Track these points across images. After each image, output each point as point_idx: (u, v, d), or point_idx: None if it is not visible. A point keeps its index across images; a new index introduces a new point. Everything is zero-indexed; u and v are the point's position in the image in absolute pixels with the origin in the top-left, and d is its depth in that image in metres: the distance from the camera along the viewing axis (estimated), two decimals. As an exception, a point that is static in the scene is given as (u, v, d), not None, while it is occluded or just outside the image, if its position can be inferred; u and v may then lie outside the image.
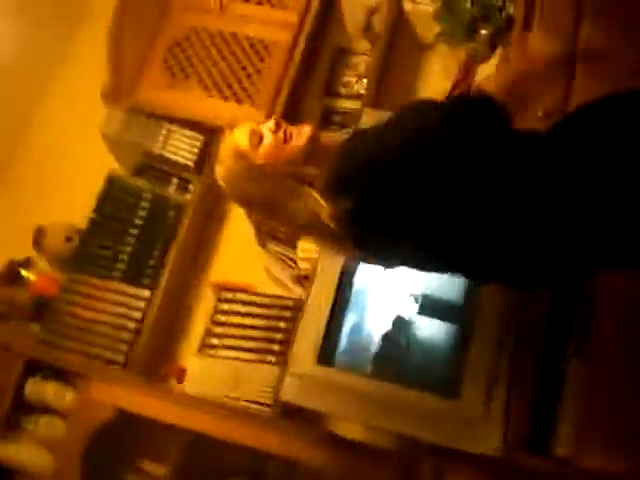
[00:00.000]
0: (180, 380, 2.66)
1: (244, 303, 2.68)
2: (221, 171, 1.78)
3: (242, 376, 2.55)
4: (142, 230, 2.85)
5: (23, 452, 2.63)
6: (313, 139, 1.73)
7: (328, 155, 1.71)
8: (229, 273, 2.90)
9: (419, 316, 2.44)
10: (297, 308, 2.59)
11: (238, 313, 2.67)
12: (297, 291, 2.71)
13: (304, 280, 2.67)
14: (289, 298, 2.69)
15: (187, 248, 2.89)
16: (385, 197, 1.59)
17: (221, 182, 1.78)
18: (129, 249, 2.83)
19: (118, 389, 2.52)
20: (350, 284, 2.45)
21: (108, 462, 2.54)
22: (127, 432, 2.54)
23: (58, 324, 2.75)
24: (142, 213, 2.87)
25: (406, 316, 2.43)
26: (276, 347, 2.59)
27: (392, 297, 2.48)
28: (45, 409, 2.68)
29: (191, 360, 2.66)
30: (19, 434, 2.68)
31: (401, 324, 2.44)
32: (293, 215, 1.73)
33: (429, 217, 1.62)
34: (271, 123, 1.74)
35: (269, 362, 2.57)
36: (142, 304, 2.74)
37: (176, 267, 2.82)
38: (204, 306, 2.87)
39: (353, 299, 2.45)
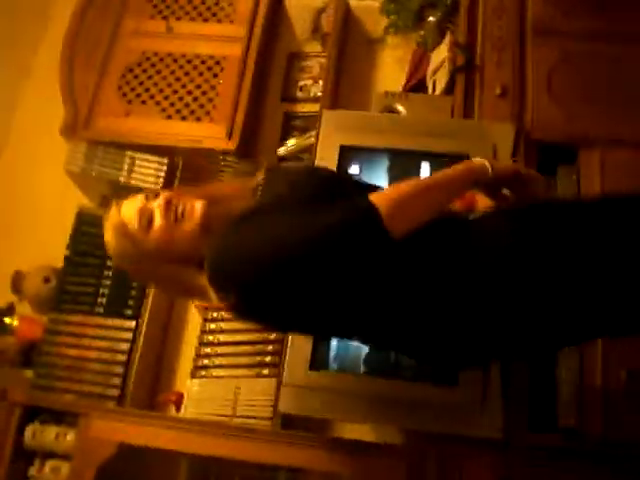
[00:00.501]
0: (178, 406, 2.65)
1: (231, 320, 2.65)
2: (109, 248, 1.68)
3: (239, 393, 2.55)
4: (119, 262, 2.83)
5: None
6: (205, 216, 1.61)
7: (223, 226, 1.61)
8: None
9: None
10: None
11: (226, 331, 2.66)
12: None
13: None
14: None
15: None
16: (270, 297, 1.51)
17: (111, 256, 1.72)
18: (108, 282, 2.82)
19: (117, 424, 2.51)
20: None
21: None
22: (132, 464, 2.53)
23: (48, 367, 2.73)
24: (117, 245, 2.84)
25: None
26: (268, 359, 2.58)
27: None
28: (47, 454, 2.65)
29: (186, 384, 2.64)
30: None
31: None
32: (191, 290, 1.66)
33: (314, 315, 1.59)
34: (160, 200, 1.61)
35: (264, 375, 2.56)
36: (129, 335, 2.72)
37: (158, 294, 2.79)
38: (192, 328, 2.87)
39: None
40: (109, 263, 2.83)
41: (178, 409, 2.65)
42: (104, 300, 2.80)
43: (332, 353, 2.36)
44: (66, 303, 2.82)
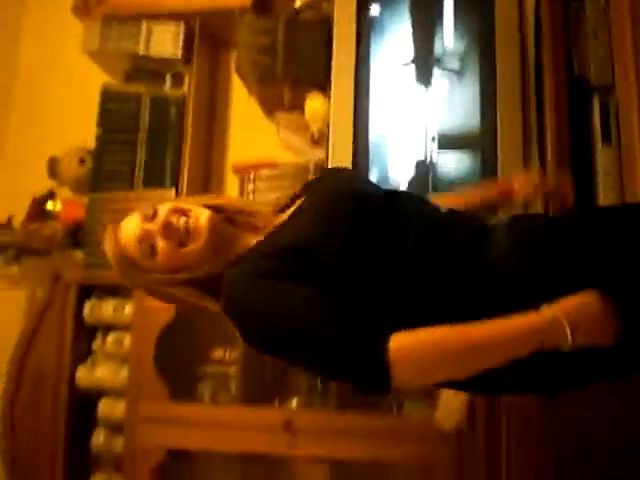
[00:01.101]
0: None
1: (268, 178, 2.69)
2: (113, 270, 1.57)
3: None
4: (150, 134, 2.83)
5: (99, 374, 2.71)
6: (212, 231, 1.48)
7: (233, 240, 1.53)
8: (246, 153, 2.88)
9: (440, 154, 2.44)
10: (320, 169, 2.60)
11: (264, 190, 2.68)
12: (316, 153, 2.70)
13: (320, 140, 2.66)
14: (310, 161, 2.68)
15: (199, 138, 2.89)
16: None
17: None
18: (143, 155, 2.82)
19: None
20: (366, 136, 2.44)
21: (179, 360, 2.62)
22: (191, 327, 2.61)
23: (97, 245, 2.77)
24: (145, 117, 2.84)
25: (428, 158, 2.43)
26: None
27: (410, 143, 2.46)
28: (108, 327, 2.76)
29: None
30: (91, 358, 2.76)
31: (425, 167, 2.44)
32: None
33: None
34: (160, 223, 1.48)
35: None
36: (170, 204, 2.74)
37: (193, 160, 2.81)
38: (231, 191, 2.89)
39: (372, 150, 2.45)
40: (141, 136, 2.83)
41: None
42: (141, 174, 2.81)
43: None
44: (104, 181, 2.85)
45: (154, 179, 2.80)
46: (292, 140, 2.78)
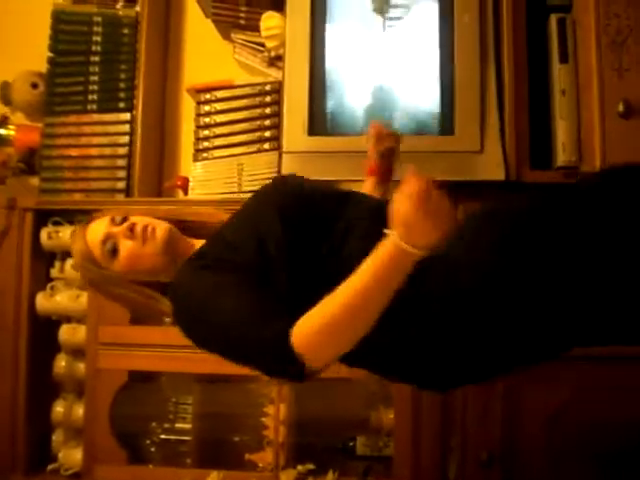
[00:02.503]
0: (185, 190, 2.69)
1: (224, 99, 2.65)
2: (76, 270, 1.75)
3: (242, 169, 2.58)
4: (103, 55, 2.76)
5: (59, 300, 2.69)
6: (167, 239, 1.60)
7: (188, 247, 1.62)
8: (202, 74, 2.83)
9: (397, 80, 2.42)
10: (277, 90, 2.59)
11: (221, 111, 2.65)
12: (273, 73, 2.67)
13: (276, 61, 2.63)
14: (267, 82, 2.65)
15: (153, 60, 2.83)
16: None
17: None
18: (96, 78, 2.76)
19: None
20: (322, 56, 2.41)
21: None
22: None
23: (52, 170, 2.75)
24: (97, 38, 2.76)
25: (385, 84, 2.42)
26: (267, 133, 2.59)
27: (367, 69, 2.44)
28: (66, 253, 2.71)
29: (190, 169, 2.67)
30: (50, 285, 2.72)
31: (382, 93, 2.42)
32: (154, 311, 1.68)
33: None
34: (124, 226, 1.60)
35: (265, 150, 2.58)
36: (126, 127, 2.71)
37: (148, 82, 2.75)
38: (187, 113, 2.85)
39: (329, 70, 2.41)
40: (93, 59, 2.77)
41: (185, 192, 2.69)
42: (95, 96, 2.75)
43: (328, 117, 2.37)
44: (58, 105, 2.78)
45: (108, 102, 2.75)
46: (248, 60, 2.74)
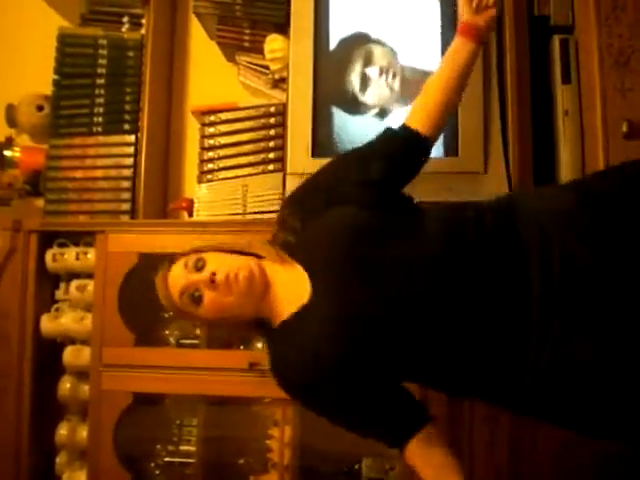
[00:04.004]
0: (190, 212, 2.68)
1: (229, 121, 2.66)
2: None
3: (247, 191, 2.59)
4: (108, 78, 2.78)
5: (64, 321, 2.68)
6: (249, 285, 1.56)
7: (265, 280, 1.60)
8: (207, 96, 2.85)
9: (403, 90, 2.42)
10: (281, 112, 2.60)
11: (225, 133, 2.66)
12: (277, 95, 2.69)
13: (280, 83, 2.65)
14: (271, 104, 2.66)
15: (158, 82, 2.85)
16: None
17: None
18: (102, 100, 2.78)
19: (134, 236, 2.56)
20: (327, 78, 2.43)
21: (144, 305, 2.59)
22: (153, 274, 2.60)
23: (57, 192, 2.76)
24: (103, 61, 2.79)
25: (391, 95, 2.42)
26: (272, 155, 2.60)
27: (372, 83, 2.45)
28: (71, 275, 2.72)
29: (195, 190, 2.67)
30: (55, 307, 2.72)
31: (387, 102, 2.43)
32: None
33: None
34: (206, 275, 1.56)
35: (270, 171, 2.59)
36: (130, 149, 2.72)
37: (153, 105, 2.77)
38: (192, 135, 2.86)
39: (334, 88, 2.43)
40: (99, 81, 2.79)
41: (190, 214, 2.69)
42: (100, 119, 2.77)
43: (334, 137, 2.38)
44: (63, 127, 2.80)
45: (113, 124, 2.76)
46: (253, 82, 2.76)
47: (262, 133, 2.63)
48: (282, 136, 2.57)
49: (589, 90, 2.33)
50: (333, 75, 2.42)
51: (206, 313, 1.59)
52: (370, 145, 1.70)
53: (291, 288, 1.59)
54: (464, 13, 1.71)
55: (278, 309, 1.60)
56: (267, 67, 2.68)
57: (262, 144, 2.63)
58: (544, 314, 1.41)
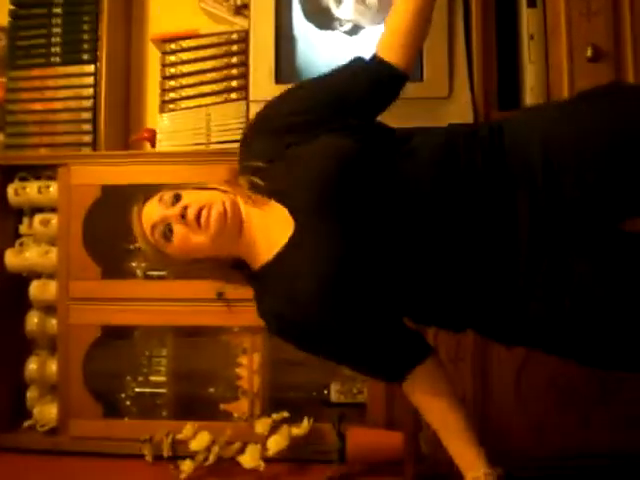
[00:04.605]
0: (153, 142, 2.65)
1: (190, 49, 2.61)
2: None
3: (210, 120, 2.55)
4: (65, 7, 2.70)
5: (28, 256, 2.66)
6: (221, 226, 1.48)
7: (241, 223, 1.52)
8: (167, 23, 2.79)
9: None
10: (244, 39, 2.55)
11: (187, 61, 2.61)
12: (239, 22, 2.63)
13: (243, 9, 2.60)
14: (233, 31, 2.60)
15: (117, 10, 2.77)
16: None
17: None
18: (59, 30, 2.70)
19: (96, 168, 2.55)
20: (289, 4, 2.38)
21: (109, 237, 2.58)
22: (119, 204, 2.56)
23: (17, 125, 2.71)
24: (60, -11, 2.72)
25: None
26: (235, 83, 2.56)
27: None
28: (34, 209, 2.69)
29: (157, 120, 2.63)
30: (19, 242, 2.70)
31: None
32: None
33: None
34: (177, 210, 1.48)
35: (232, 99, 2.55)
36: (90, 80, 2.66)
37: (111, 33, 2.70)
38: (153, 64, 2.81)
39: (295, 18, 2.38)
40: (56, 10, 2.71)
41: (153, 145, 2.66)
42: (58, 49, 2.70)
43: (296, 63, 2.35)
44: (21, 59, 2.73)
45: (72, 54, 2.69)
46: (214, 8, 2.70)
47: (224, 61, 2.58)
48: (245, 64, 2.53)
49: (554, 14, 2.32)
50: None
51: (176, 250, 1.52)
52: (339, 78, 1.62)
53: (271, 228, 1.52)
54: None
55: (257, 250, 1.54)
56: (228, -8, 2.63)
57: (225, 72, 2.58)
58: (534, 242, 1.42)
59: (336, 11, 2.36)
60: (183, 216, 1.48)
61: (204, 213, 1.47)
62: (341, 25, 2.37)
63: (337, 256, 1.45)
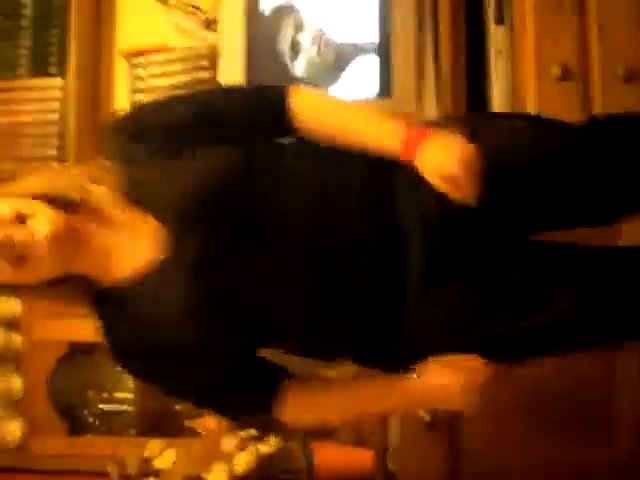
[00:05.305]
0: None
1: (160, 63, 2.61)
2: None
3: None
4: (34, 20, 2.71)
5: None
6: (57, 247, 1.24)
7: (87, 241, 1.30)
8: (136, 37, 2.77)
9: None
10: (213, 55, 2.55)
11: (156, 75, 2.61)
12: (209, 36, 2.63)
13: (213, 23, 2.60)
14: (202, 46, 2.60)
15: (85, 23, 2.75)
16: None
17: None
18: (27, 42, 2.71)
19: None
20: (258, 21, 2.39)
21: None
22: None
23: (-17, 137, 2.70)
24: (27, 1, 2.71)
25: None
26: (203, 93, 2.56)
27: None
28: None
29: (126, 134, 2.61)
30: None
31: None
32: None
33: None
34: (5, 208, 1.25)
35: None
36: (57, 93, 2.66)
37: (80, 46, 2.69)
38: (121, 78, 2.77)
39: (264, 34, 2.39)
40: (24, 23, 2.71)
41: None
42: (26, 62, 2.70)
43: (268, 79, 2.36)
44: (-12, 71, 2.72)
45: (40, 67, 2.70)
46: (184, 22, 2.69)
47: (194, 75, 2.57)
48: (215, 78, 2.53)
49: (521, 31, 2.33)
50: (264, 39, 2.39)
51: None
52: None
53: (131, 239, 1.33)
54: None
55: (105, 264, 1.33)
56: (198, 8, 2.63)
57: (195, 86, 2.56)
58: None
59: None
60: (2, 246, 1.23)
61: (30, 238, 1.23)
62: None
63: (213, 268, 1.32)
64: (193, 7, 2.65)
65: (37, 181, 1.33)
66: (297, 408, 1.41)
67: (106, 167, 1.37)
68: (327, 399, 1.43)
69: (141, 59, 2.63)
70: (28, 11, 2.71)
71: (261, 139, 1.41)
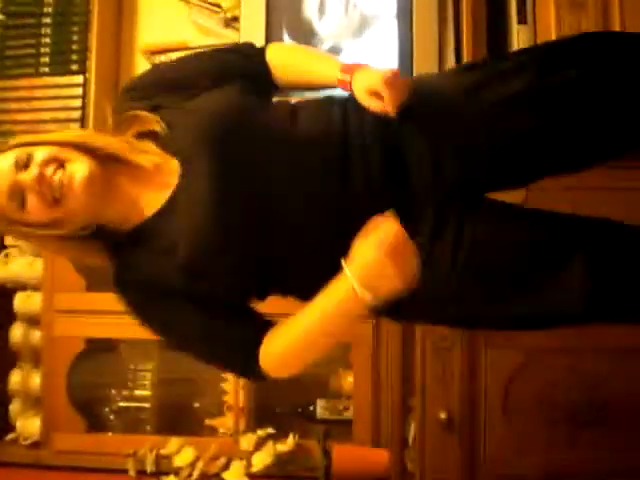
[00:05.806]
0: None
1: (180, 62, 2.61)
2: None
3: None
4: (55, 17, 2.69)
5: (14, 267, 2.64)
6: (91, 191, 1.34)
7: (115, 192, 1.40)
8: (157, 35, 2.79)
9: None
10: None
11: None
12: (229, 35, 2.63)
13: (233, 22, 2.60)
14: (222, 44, 2.56)
15: (107, 21, 2.75)
16: None
17: None
18: (48, 40, 2.69)
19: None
20: (279, 18, 2.38)
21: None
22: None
23: (4, 135, 2.66)
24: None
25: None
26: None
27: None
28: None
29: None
30: (4, 253, 2.68)
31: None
32: None
33: None
34: (33, 175, 1.32)
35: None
36: (79, 91, 2.64)
37: (101, 44, 2.68)
38: (142, 74, 2.80)
39: (287, 33, 2.38)
40: (45, 20, 2.70)
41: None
42: (47, 59, 2.69)
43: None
44: (9, 69, 2.71)
45: (61, 65, 2.68)
46: (205, 21, 2.70)
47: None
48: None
49: (544, 30, 2.32)
50: (288, 3, 2.38)
51: (32, 220, 1.36)
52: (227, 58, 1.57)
53: (152, 185, 1.41)
54: None
55: (131, 211, 1.42)
56: (219, 5, 2.63)
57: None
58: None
59: (317, 25, 2.38)
60: (40, 182, 1.33)
61: (65, 182, 1.33)
62: (320, 43, 2.38)
63: (222, 200, 1.37)
64: (214, 5, 2.66)
65: (76, 132, 1.54)
66: (270, 354, 1.42)
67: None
68: (290, 326, 1.41)
69: (162, 57, 2.63)
70: (50, 9, 2.70)
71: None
